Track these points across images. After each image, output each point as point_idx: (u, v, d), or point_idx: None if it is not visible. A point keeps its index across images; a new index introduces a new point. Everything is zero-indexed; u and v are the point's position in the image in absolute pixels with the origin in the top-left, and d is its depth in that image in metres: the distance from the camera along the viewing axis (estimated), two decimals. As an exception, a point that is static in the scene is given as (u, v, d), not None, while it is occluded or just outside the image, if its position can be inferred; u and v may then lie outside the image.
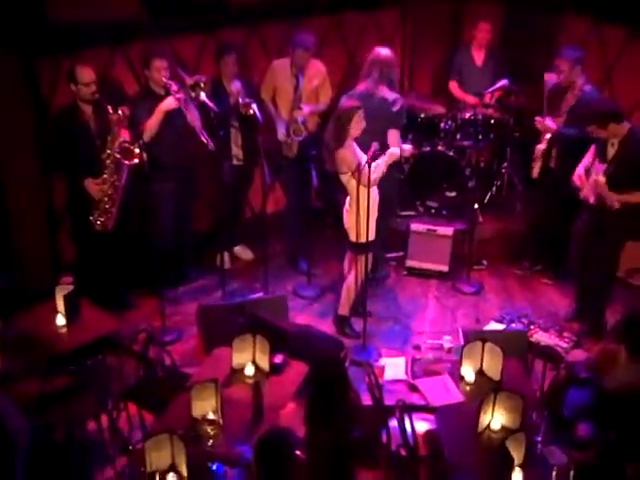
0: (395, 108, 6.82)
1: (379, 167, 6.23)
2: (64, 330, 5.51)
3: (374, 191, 6.25)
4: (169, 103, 6.57)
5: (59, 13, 6.46)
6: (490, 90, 8.17)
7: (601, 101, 6.78)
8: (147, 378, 5.51)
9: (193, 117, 6.74)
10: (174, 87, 6.58)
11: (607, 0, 7.95)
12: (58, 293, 5.55)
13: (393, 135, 6.80)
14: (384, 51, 6.93)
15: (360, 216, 6.19)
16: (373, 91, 6.84)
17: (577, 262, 6.64)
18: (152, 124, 6.59)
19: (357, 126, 6.20)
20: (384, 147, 6.44)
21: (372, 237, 6.34)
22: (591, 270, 6.51)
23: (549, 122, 7.04)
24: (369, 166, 5.96)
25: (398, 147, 6.62)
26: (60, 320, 5.53)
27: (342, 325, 6.72)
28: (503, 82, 8.15)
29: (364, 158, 6.05)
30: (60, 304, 5.54)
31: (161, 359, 5.76)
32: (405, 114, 7.01)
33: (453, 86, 8.61)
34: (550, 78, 7.21)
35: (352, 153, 6.19)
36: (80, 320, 5.56)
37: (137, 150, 6.23)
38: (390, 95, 6.84)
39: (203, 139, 6.64)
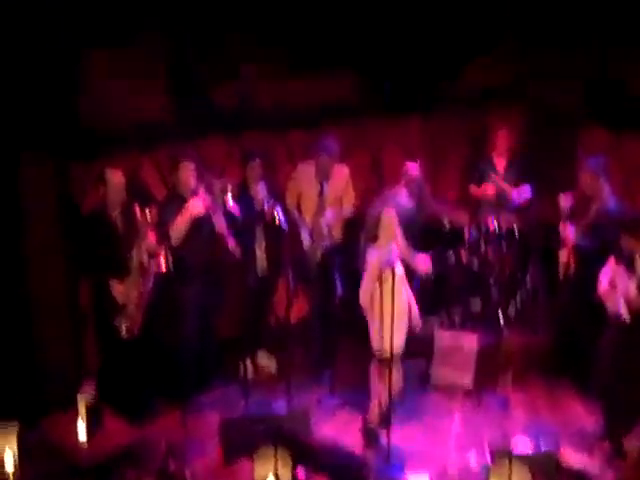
0: (405, 208, 6.89)
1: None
2: (85, 441, 5.42)
3: (401, 302, 6.19)
4: (197, 207, 6.59)
5: (92, 118, 6.59)
6: (516, 201, 8.21)
7: (632, 210, 6.74)
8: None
9: (220, 222, 6.76)
10: (201, 191, 6.63)
11: (626, 110, 8.04)
12: (80, 401, 5.47)
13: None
14: (413, 167, 7.04)
15: (384, 329, 6.11)
16: (393, 195, 6.93)
17: (606, 377, 6.51)
18: (179, 227, 6.60)
19: (384, 232, 6.18)
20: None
21: (398, 350, 6.25)
22: (622, 387, 6.37)
23: (570, 231, 7.03)
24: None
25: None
26: (81, 430, 5.44)
27: (370, 437, 6.56)
28: (527, 192, 8.19)
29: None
30: (82, 412, 5.46)
31: (182, 473, 5.61)
32: (416, 221, 7.02)
33: (472, 188, 8.63)
34: (565, 199, 7.18)
35: (376, 258, 6.16)
36: (101, 430, 5.48)
37: (163, 253, 6.24)
38: (404, 200, 6.90)
39: (229, 246, 6.66)
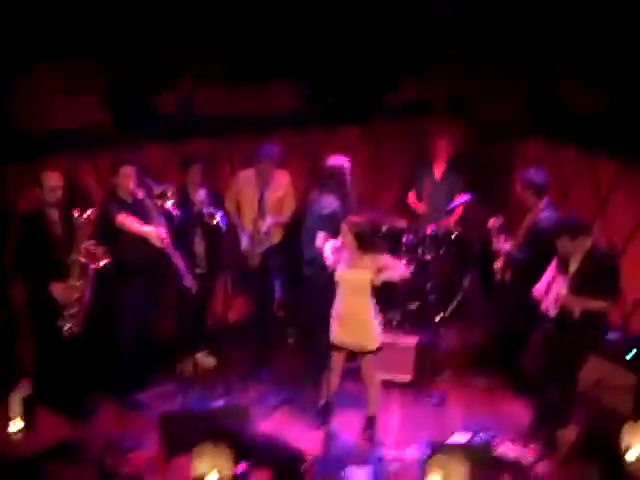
0: (325, 212, 6.99)
1: None
2: (19, 436, 5.33)
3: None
4: (153, 237, 6.65)
5: (26, 121, 6.55)
6: (452, 206, 8.36)
7: (571, 217, 6.80)
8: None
9: (160, 226, 6.75)
10: (140, 194, 6.65)
11: (559, 122, 8.23)
12: (15, 397, 5.39)
13: (319, 237, 6.92)
14: (336, 160, 7.17)
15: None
16: (318, 197, 7.11)
17: (535, 374, 6.63)
18: (130, 228, 6.64)
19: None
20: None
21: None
22: (550, 382, 6.49)
23: (503, 245, 7.18)
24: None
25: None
26: (16, 425, 5.36)
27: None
28: (464, 198, 8.34)
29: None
30: (16, 409, 5.38)
31: (120, 469, 5.57)
32: (337, 220, 6.94)
33: (411, 196, 8.79)
34: (494, 221, 7.30)
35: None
36: (37, 426, 5.39)
37: (102, 254, 6.22)
38: (327, 200, 7.02)
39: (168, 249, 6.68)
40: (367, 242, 6.33)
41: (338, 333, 6.46)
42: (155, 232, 6.67)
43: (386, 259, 6.48)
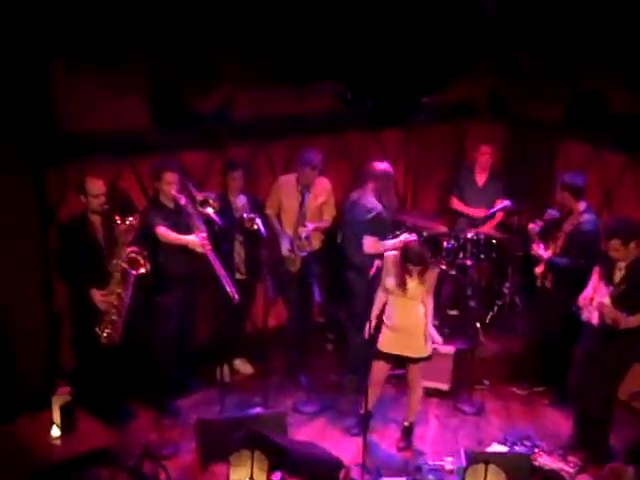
0: (368, 216, 7.00)
1: None
2: (58, 441, 5.42)
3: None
4: (194, 244, 6.67)
5: (70, 123, 6.62)
6: (492, 212, 8.30)
7: (623, 219, 6.59)
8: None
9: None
10: (183, 201, 6.69)
11: (605, 128, 8.12)
12: (55, 403, 5.48)
13: (367, 241, 7.02)
14: (380, 165, 7.15)
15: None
16: (358, 199, 7.14)
17: (577, 385, 6.53)
18: (169, 239, 6.67)
19: None
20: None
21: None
22: (591, 394, 6.39)
23: (542, 251, 7.10)
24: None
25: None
26: (55, 431, 5.45)
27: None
28: (505, 203, 8.27)
29: None
30: (56, 414, 5.46)
31: (157, 474, 5.62)
32: (382, 224, 7.09)
33: (455, 201, 8.75)
34: (533, 226, 7.23)
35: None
36: (76, 431, 5.48)
37: (143, 260, 6.27)
38: (370, 203, 7.03)
39: (209, 255, 6.70)
40: (418, 261, 6.34)
41: (389, 341, 6.50)
42: (196, 239, 6.69)
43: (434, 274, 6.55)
